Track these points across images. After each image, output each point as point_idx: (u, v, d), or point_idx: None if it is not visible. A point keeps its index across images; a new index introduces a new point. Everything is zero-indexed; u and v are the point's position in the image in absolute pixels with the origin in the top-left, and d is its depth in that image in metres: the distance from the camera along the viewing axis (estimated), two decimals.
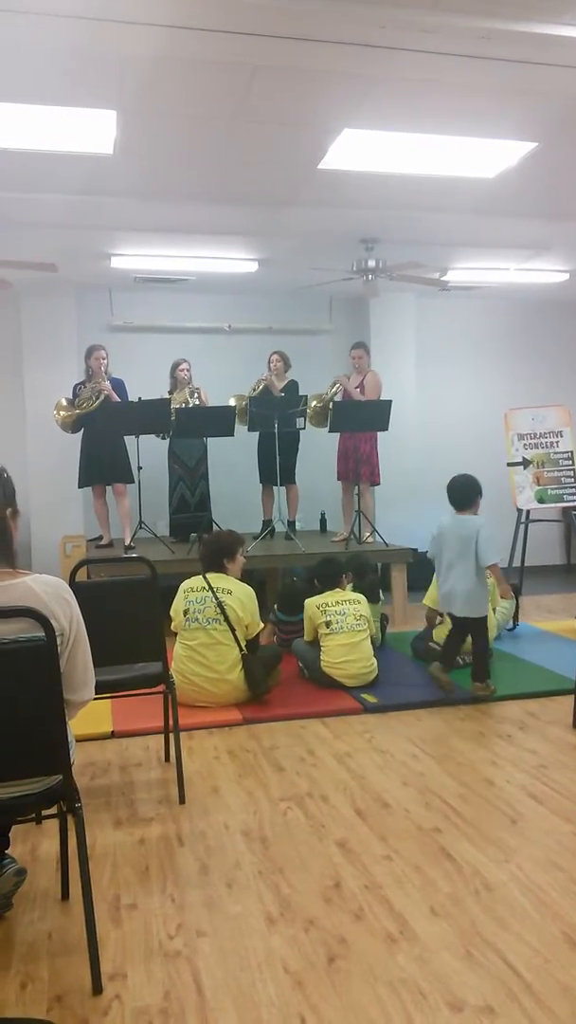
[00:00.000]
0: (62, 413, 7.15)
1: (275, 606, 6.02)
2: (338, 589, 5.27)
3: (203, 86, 3.99)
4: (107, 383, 7.12)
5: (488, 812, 3.30)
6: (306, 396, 7.36)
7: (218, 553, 4.93)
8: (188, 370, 7.63)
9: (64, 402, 7.19)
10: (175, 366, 7.64)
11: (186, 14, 3.25)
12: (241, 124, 4.46)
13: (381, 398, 7.34)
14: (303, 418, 7.33)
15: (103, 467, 7.18)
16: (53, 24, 3.26)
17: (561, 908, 2.59)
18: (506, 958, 2.33)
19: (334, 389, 7.49)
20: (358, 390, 7.39)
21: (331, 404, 7.27)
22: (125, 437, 7.12)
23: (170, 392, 7.55)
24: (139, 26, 3.31)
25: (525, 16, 3.41)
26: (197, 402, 7.49)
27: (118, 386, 7.21)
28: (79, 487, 7.44)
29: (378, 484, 7.50)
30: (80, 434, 7.27)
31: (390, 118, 4.39)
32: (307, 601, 5.29)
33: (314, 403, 7.38)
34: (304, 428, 7.43)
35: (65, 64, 3.69)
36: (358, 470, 7.34)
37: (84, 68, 3.74)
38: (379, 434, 7.58)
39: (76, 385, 7.32)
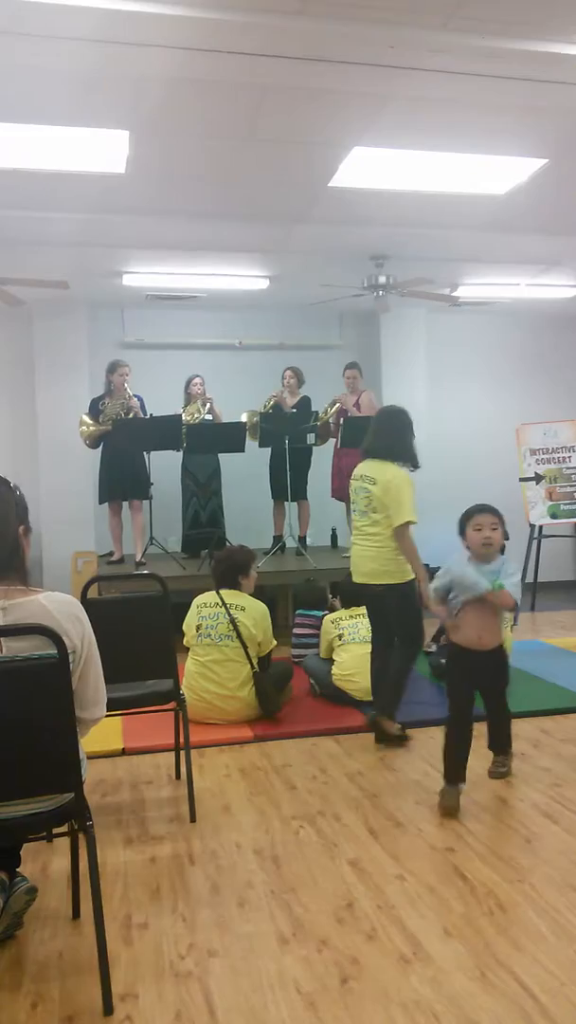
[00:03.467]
0: (90, 428, 7.18)
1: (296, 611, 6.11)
2: (355, 607, 5.29)
3: (215, 106, 4.03)
4: (135, 400, 7.17)
5: (501, 831, 3.27)
6: (317, 412, 7.39)
7: (233, 570, 4.92)
8: (202, 384, 7.67)
9: (87, 418, 7.22)
10: (188, 381, 7.69)
11: (198, 36, 3.29)
12: (252, 143, 4.49)
13: None
14: (314, 434, 7.36)
15: (124, 483, 7.20)
16: (67, 47, 3.30)
17: None
18: (521, 980, 2.31)
19: (333, 409, 7.54)
20: (355, 409, 7.42)
21: (342, 420, 7.29)
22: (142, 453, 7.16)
23: (184, 407, 7.60)
24: (152, 48, 3.35)
25: (534, 35, 3.43)
26: (209, 417, 7.53)
27: (140, 403, 7.26)
28: (100, 503, 7.47)
29: None
30: (98, 451, 7.31)
31: (400, 136, 4.41)
32: (325, 618, 5.31)
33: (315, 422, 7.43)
34: (316, 444, 7.46)
35: (79, 85, 3.73)
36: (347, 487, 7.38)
37: (98, 89, 3.78)
38: None
39: (95, 400, 7.34)
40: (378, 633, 4.51)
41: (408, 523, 4.19)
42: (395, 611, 4.35)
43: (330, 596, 5.95)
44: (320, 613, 5.70)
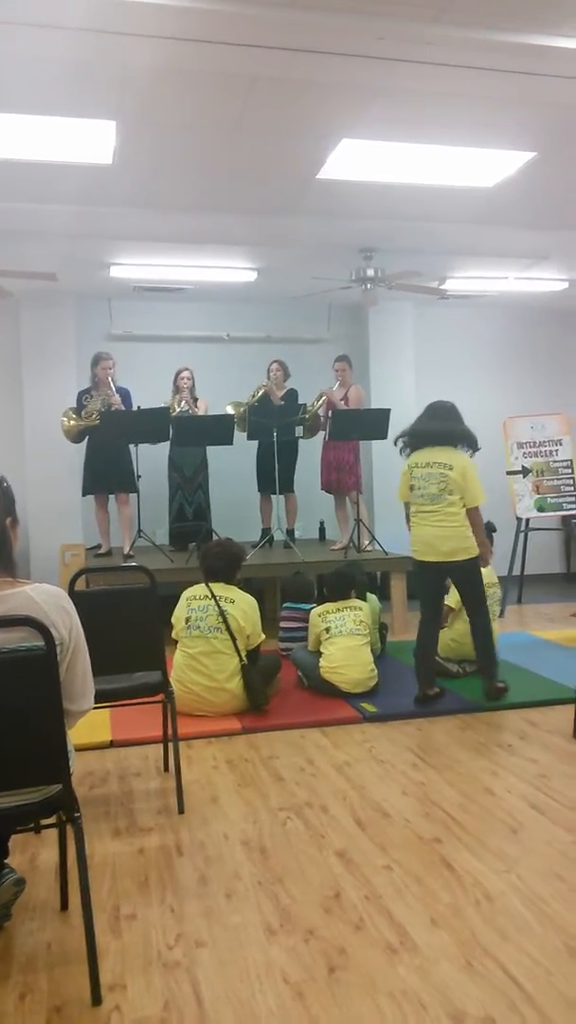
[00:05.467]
0: (72, 422, 7.15)
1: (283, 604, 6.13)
2: (342, 600, 5.29)
3: (202, 97, 4.01)
4: (116, 396, 7.12)
5: (488, 822, 3.29)
6: (305, 404, 7.38)
7: (232, 565, 4.92)
8: (190, 378, 7.64)
9: (71, 412, 7.18)
10: (177, 374, 7.66)
11: (186, 26, 3.27)
12: (240, 134, 4.47)
13: (379, 407, 7.36)
14: (302, 427, 7.36)
15: (108, 476, 7.17)
16: (54, 36, 3.28)
17: (562, 919, 2.58)
18: (507, 969, 2.32)
19: (320, 402, 7.53)
20: (343, 402, 7.41)
21: (330, 414, 7.30)
22: (127, 446, 7.13)
23: (172, 399, 7.57)
24: (140, 38, 3.33)
25: (524, 28, 3.43)
26: (189, 411, 7.49)
27: (125, 395, 7.21)
28: (83, 495, 7.45)
29: (361, 492, 7.50)
30: (84, 443, 7.27)
31: (389, 128, 4.41)
32: (312, 611, 5.32)
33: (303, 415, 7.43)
34: (304, 437, 7.46)
35: (66, 75, 3.71)
36: (341, 479, 7.38)
37: (85, 79, 3.76)
38: (377, 442, 7.59)
39: (81, 393, 7.30)
40: (429, 606, 4.93)
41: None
42: (469, 582, 4.84)
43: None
44: (308, 606, 5.71)
